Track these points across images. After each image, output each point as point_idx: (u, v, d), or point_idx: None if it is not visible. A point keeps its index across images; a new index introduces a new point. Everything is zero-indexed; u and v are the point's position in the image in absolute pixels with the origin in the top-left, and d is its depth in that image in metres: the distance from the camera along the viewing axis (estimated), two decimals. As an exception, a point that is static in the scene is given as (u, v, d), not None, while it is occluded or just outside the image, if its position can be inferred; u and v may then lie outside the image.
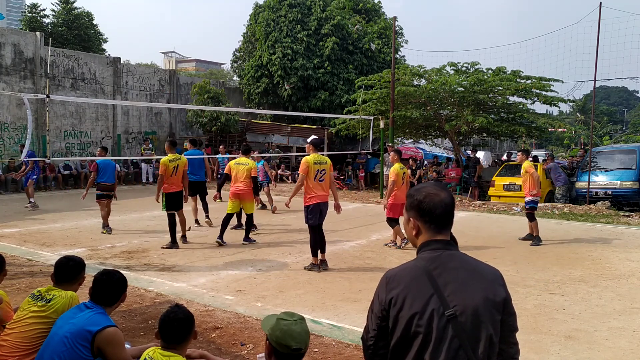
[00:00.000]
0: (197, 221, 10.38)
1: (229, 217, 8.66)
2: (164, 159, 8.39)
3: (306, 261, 7.47)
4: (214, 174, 14.74)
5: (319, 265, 7.02)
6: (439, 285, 1.76)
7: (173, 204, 8.39)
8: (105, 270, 3.17)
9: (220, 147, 15.63)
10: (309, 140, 7.63)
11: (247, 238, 8.80)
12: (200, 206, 10.57)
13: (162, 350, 2.59)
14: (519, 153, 9.99)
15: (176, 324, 2.60)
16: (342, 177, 20.44)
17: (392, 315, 1.79)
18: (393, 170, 8.66)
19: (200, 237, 9.25)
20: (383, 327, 1.83)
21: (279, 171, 21.00)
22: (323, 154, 7.86)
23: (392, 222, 8.53)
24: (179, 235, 8.51)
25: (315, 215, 7.00)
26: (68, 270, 3.36)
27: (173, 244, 8.25)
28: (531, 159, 11.49)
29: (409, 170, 9.04)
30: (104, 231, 9.47)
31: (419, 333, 1.73)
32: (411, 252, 7.60)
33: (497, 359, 1.78)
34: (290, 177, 20.77)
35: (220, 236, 8.50)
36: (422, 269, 1.81)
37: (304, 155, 7.56)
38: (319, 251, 7.05)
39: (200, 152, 11.16)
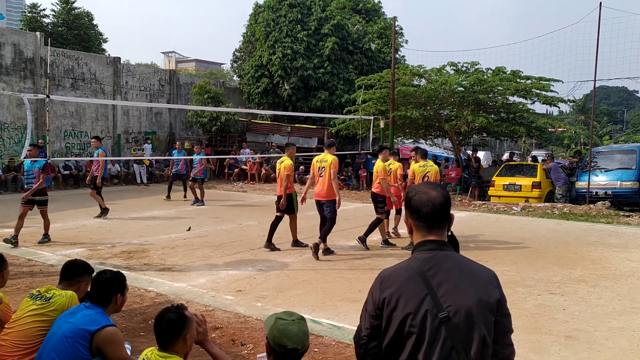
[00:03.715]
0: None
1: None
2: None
3: (306, 261, 7.51)
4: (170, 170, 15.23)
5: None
6: (432, 286, 1.76)
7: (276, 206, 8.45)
8: (100, 271, 3.18)
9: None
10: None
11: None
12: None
13: (159, 351, 2.58)
14: (414, 152, 9.24)
15: (163, 323, 2.55)
16: (343, 177, 20.43)
17: (385, 314, 1.80)
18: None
19: (200, 237, 9.25)
20: (376, 327, 1.83)
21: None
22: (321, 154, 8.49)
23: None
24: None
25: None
26: (73, 269, 3.40)
27: (269, 244, 8.26)
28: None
29: (394, 167, 9.32)
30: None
31: (412, 333, 1.74)
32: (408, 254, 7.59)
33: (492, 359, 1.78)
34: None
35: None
36: (416, 269, 1.81)
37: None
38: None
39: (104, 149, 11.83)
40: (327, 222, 7.95)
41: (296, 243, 8.45)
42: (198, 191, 13.71)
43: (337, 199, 7.89)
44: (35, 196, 8.29)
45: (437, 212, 1.85)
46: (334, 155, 8.11)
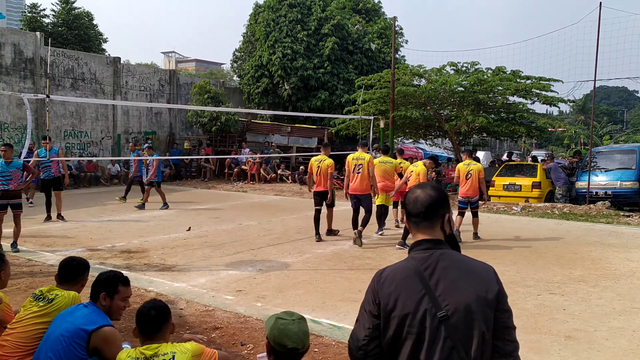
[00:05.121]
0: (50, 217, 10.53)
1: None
2: (312, 159, 9.24)
3: (306, 261, 7.52)
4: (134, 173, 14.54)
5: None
6: (430, 285, 1.76)
7: (316, 200, 9.09)
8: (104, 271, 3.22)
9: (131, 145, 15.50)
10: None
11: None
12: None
13: (144, 343, 2.64)
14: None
15: (153, 312, 2.66)
16: (342, 177, 20.41)
17: (383, 315, 1.80)
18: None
19: (200, 237, 9.25)
20: (377, 326, 1.82)
21: (279, 171, 20.98)
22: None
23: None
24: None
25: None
26: (71, 270, 3.38)
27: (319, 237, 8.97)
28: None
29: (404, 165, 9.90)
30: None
31: (411, 333, 1.73)
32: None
33: (494, 356, 1.77)
34: (290, 177, 20.74)
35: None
36: (413, 269, 1.81)
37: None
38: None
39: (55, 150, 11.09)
40: (365, 213, 8.64)
41: (331, 232, 9.24)
42: (148, 194, 13.13)
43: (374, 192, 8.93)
44: (10, 199, 7.86)
45: (426, 209, 1.87)
46: (368, 153, 8.87)
